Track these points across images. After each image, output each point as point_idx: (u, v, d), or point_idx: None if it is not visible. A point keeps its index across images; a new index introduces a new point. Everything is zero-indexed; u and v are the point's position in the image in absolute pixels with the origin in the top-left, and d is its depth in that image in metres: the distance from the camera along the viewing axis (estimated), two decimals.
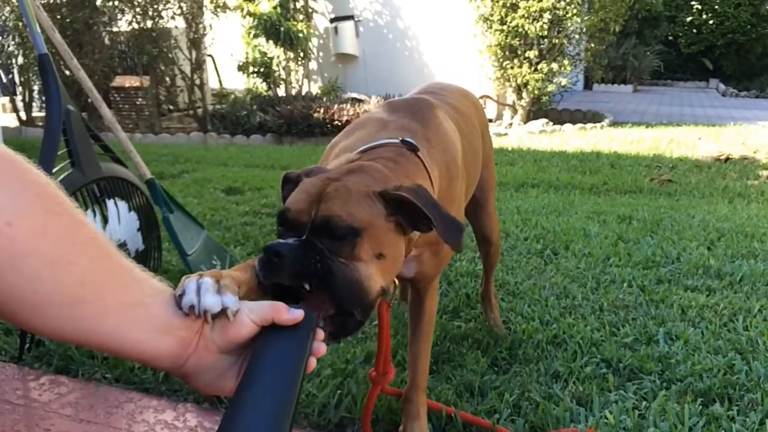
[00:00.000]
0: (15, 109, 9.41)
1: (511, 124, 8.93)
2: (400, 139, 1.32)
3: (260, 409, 0.77)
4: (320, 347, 0.92)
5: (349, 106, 8.27)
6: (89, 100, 2.57)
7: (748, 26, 17.78)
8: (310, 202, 1.09)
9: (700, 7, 18.37)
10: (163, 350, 0.82)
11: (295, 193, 1.16)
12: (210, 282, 0.86)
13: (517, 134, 8.05)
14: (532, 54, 8.34)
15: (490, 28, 8.48)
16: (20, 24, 8.14)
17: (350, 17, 10.00)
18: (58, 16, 8.10)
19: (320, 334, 0.93)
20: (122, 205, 2.41)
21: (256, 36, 9.48)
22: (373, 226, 1.09)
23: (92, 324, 0.76)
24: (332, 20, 10.08)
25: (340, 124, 7.56)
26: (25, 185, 0.72)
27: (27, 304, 0.72)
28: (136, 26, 8.73)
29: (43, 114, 8.44)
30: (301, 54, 9.86)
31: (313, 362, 0.89)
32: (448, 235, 1.14)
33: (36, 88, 9.35)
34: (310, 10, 10.08)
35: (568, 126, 8.58)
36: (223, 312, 0.85)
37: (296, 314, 0.87)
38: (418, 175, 1.29)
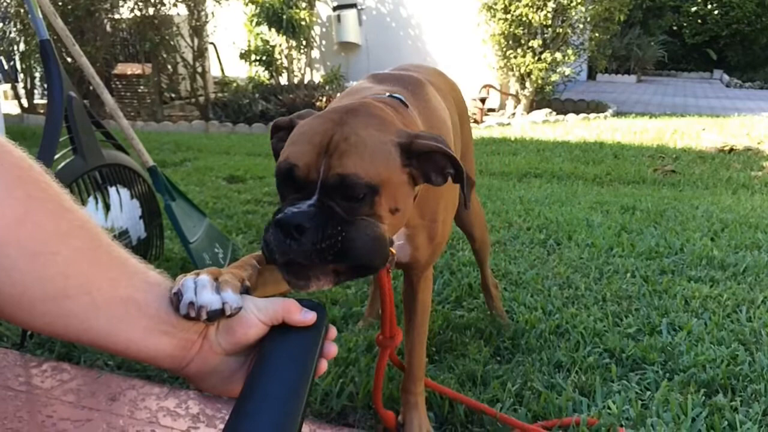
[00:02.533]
0: (17, 96, 9.39)
1: (514, 114, 8.90)
2: (388, 95, 1.21)
3: (265, 418, 0.71)
4: (331, 348, 0.85)
5: None
6: (91, 88, 2.56)
7: (753, 17, 17.65)
8: (317, 154, 0.97)
9: None
10: (161, 351, 0.76)
11: (295, 143, 1.02)
12: (207, 279, 0.79)
13: (520, 124, 8.02)
14: (535, 43, 8.30)
15: (494, 17, 8.43)
16: (22, 10, 8.11)
17: (353, 5, 9.94)
18: (60, 3, 8.05)
19: (332, 332, 0.86)
20: (124, 192, 2.40)
21: (258, 24, 9.43)
22: (391, 181, 1.00)
23: (80, 321, 0.71)
24: (335, 8, 10.03)
25: None
26: (6, 168, 0.67)
27: (8, 298, 0.67)
28: (138, 13, 8.70)
29: (44, 101, 8.41)
30: (304, 42, 9.81)
31: (323, 365, 0.83)
32: (467, 188, 1.09)
33: (38, 75, 9.32)
34: None
35: (571, 116, 8.55)
36: (222, 312, 0.77)
37: (309, 316, 0.81)
38: (415, 126, 1.17)
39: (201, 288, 0.77)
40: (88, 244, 0.72)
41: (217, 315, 0.77)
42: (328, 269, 0.96)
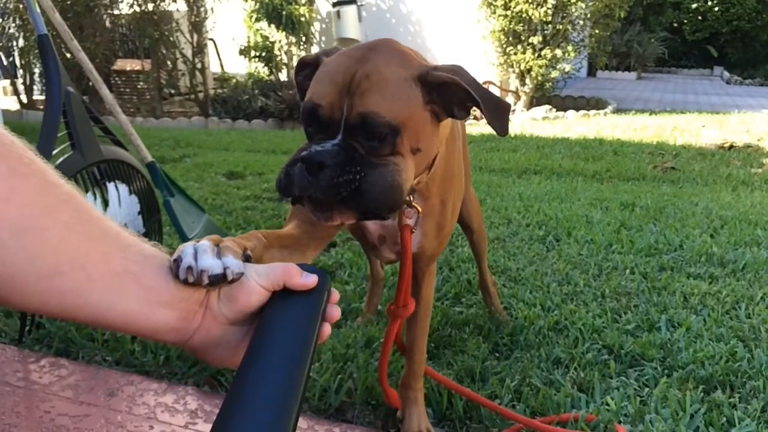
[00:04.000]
0: (16, 92, 9.36)
1: (514, 111, 8.89)
2: None
3: (267, 386, 0.69)
4: (334, 311, 0.82)
5: None
6: (90, 84, 2.55)
7: (754, 13, 17.63)
8: (340, 93, 0.97)
9: None
10: (162, 323, 0.74)
11: (318, 82, 1.02)
12: (208, 245, 0.78)
13: (520, 120, 8.01)
14: (535, 40, 8.29)
15: (494, 13, 8.42)
16: (21, 6, 8.08)
17: (353, 1, 9.91)
18: None
19: (335, 295, 0.84)
20: (123, 188, 2.39)
21: (257, 20, 9.40)
22: (412, 119, 0.99)
23: (76, 297, 0.69)
24: (334, 4, 10.00)
25: None
26: None
27: (0, 278, 0.65)
28: (137, 9, 8.67)
29: (44, 97, 8.41)
30: (303, 38, 9.78)
31: (327, 329, 0.81)
32: (494, 117, 1.04)
33: (37, 71, 9.29)
34: None
35: (571, 113, 8.54)
36: (224, 277, 0.75)
37: (311, 279, 0.79)
38: None
39: (201, 253, 0.76)
40: (77, 218, 0.70)
41: (219, 280, 0.75)
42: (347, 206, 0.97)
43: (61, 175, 0.71)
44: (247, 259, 0.83)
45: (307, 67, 1.12)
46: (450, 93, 1.04)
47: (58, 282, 0.67)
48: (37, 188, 0.67)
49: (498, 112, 1.06)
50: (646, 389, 1.64)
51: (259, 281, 0.78)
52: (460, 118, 1.08)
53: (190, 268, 0.74)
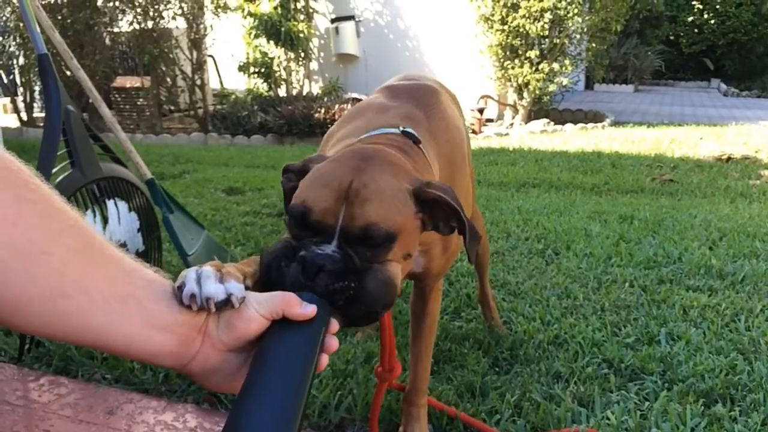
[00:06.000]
0: (16, 110, 9.41)
1: (512, 124, 8.92)
2: (401, 129, 1.24)
3: (265, 415, 0.70)
4: (332, 342, 0.83)
5: (350, 106, 8.26)
6: (90, 101, 2.57)
7: (750, 26, 17.75)
8: (336, 201, 0.97)
9: (701, 6, 18.34)
10: (161, 348, 0.75)
11: (311, 187, 1.02)
12: (211, 270, 0.79)
13: (519, 134, 8.04)
14: (533, 54, 8.33)
15: (491, 28, 8.47)
16: (21, 24, 8.13)
17: (351, 17, 9.99)
18: (59, 17, 8.09)
19: (333, 326, 0.85)
20: (122, 205, 2.40)
21: (256, 36, 9.47)
22: (406, 229, 1.02)
23: (78, 320, 0.70)
24: (333, 20, 10.08)
25: None
26: None
27: (4, 300, 0.66)
28: (137, 26, 8.72)
29: (44, 115, 8.44)
30: (302, 54, 9.85)
31: (324, 360, 0.81)
32: (471, 244, 1.09)
33: (37, 88, 9.33)
34: (310, 11, 10.06)
35: (569, 126, 8.57)
36: (228, 303, 0.77)
37: (309, 309, 0.80)
38: (427, 170, 1.21)
39: (205, 278, 0.77)
40: (81, 243, 0.71)
41: (223, 305, 0.77)
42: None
43: (66, 201, 0.73)
44: (246, 288, 0.84)
45: (292, 172, 1.12)
46: (439, 210, 1.07)
47: (62, 305, 0.69)
48: (43, 213, 0.69)
49: (473, 239, 1.10)
50: (647, 403, 1.64)
51: (258, 310, 0.79)
52: (444, 233, 1.11)
53: (193, 295, 0.76)
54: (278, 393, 0.72)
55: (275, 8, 9.32)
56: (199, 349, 0.78)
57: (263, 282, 0.95)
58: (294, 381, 0.74)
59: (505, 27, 8.31)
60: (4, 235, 0.65)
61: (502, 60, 8.58)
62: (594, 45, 9.14)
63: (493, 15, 8.39)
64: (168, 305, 0.76)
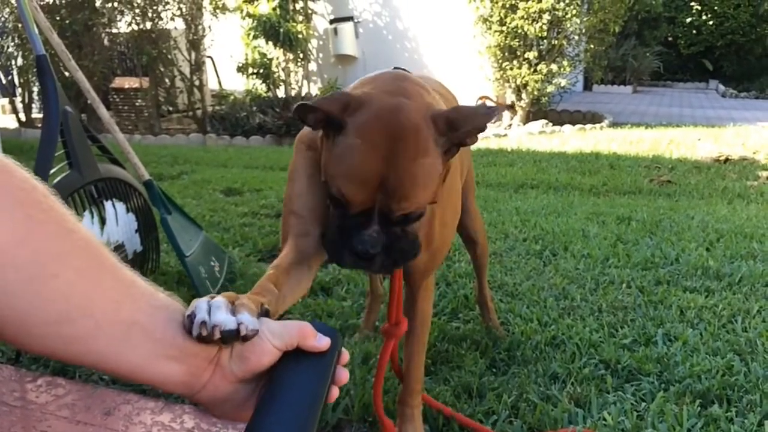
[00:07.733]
0: (14, 111, 9.40)
1: (510, 125, 8.93)
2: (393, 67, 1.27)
3: None
4: (342, 374, 0.82)
5: None
6: (88, 102, 2.57)
7: (748, 27, 17.77)
8: (370, 191, 1.03)
9: (699, 8, 18.36)
10: (168, 377, 0.73)
11: (347, 176, 1.05)
12: (222, 301, 0.77)
13: (517, 135, 8.05)
14: (531, 55, 8.34)
15: (490, 29, 8.48)
16: (19, 25, 8.12)
17: (350, 18, 10.00)
18: (58, 18, 8.09)
19: (344, 357, 0.83)
20: (120, 206, 2.40)
21: (255, 37, 9.47)
22: (435, 193, 1.11)
23: (82, 344, 0.68)
24: (332, 21, 10.09)
25: None
26: (6, 190, 0.65)
27: (8, 321, 0.65)
28: (135, 27, 8.72)
29: (42, 116, 8.44)
30: (301, 55, 9.86)
31: (335, 392, 0.80)
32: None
33: (35, 89, 9.33)
34: (309, 12, 10.07)
35: (567, 127, 8.58)
36: (237, 334, 0.74)
37: (324, 342, 0.78)
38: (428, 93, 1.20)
39: (215, 309, 0.75)
40: (90, 265, 0.70)
41: (232, 336, 0.74)
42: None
43: (78, 219, 0.72)
44: (265, 313, 0.83)
45: (321, 111, 1.05)
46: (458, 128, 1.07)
47: (66, 329, 0.67)
48: (53, 234, 0.68)
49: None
50: (643, 404, 1.64)
51: (273, 341, 0.77)
52: (470, 144, 1.12)
53: (204, 323, 0.73)
54: (288, 426, 0.72)
55: (274, 9, 9.32)
56: (210, 379, 0.76)
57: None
58: (304, 417, 0.73)
59: (504, 28, 8.31)
60: (11, 256, 0.63)
61: (500, 61, 8.59)
62: (592, 46, 9.16)
63: (491, 16, 8.40)
64: (175, 335, 0.73)
